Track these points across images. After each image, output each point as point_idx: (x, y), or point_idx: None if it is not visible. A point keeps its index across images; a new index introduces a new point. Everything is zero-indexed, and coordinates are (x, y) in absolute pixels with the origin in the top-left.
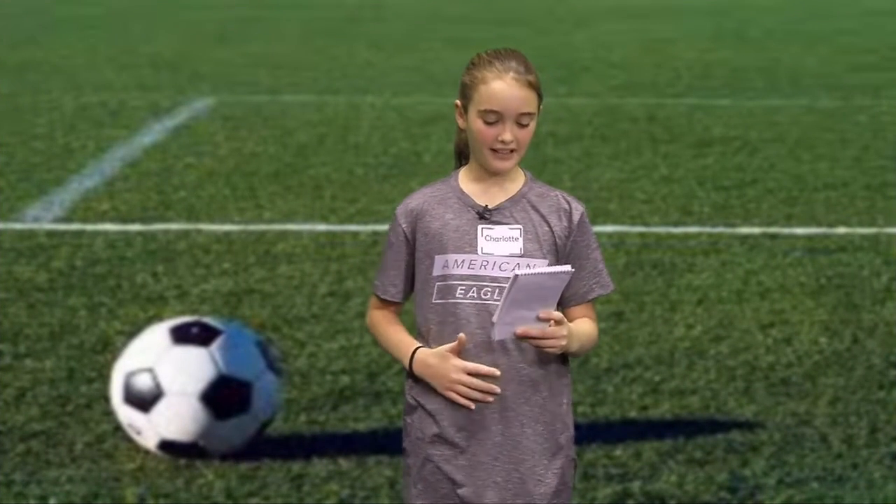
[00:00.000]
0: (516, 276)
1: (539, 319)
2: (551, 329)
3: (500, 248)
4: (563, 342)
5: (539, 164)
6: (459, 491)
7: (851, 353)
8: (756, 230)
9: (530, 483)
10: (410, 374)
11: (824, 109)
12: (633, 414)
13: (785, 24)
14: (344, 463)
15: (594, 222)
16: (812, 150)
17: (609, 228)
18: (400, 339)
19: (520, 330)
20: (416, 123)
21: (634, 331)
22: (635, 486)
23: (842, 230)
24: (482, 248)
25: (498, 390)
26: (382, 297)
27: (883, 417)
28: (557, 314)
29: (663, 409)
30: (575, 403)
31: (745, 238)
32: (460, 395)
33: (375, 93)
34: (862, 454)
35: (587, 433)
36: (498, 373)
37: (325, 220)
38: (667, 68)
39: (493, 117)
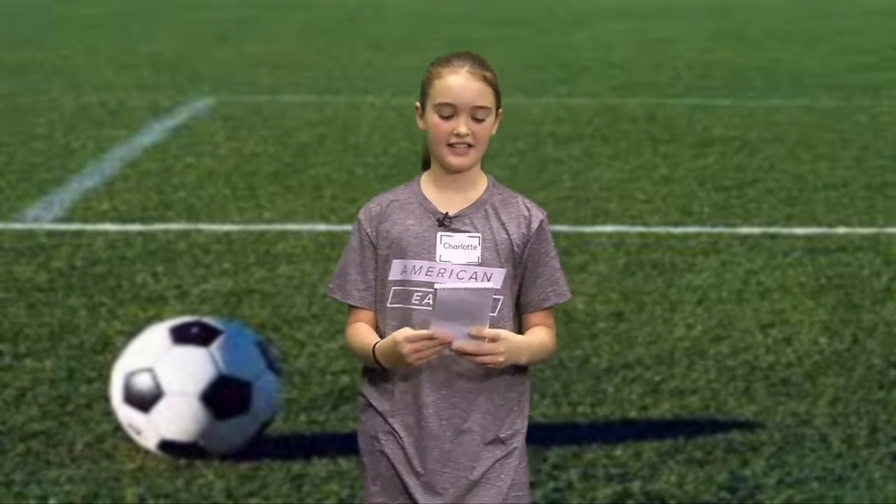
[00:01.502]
0: (436, 289)
1: (472, 337)
2: (487, 346)
3: (458, 255)
4: (501, 358)
5: (539, 164)
6: (412, 491)
7: (851, 353)
8: (756, 230)
9: (479, 486)
10: (364, 372)
11: (824, 109)
12: (633, 414)
13: (785, 24)
14: (344, 463)
15: (594, 222)
16: (812, 150)
17: (609, 228)
18: (361, 343)
19: (455, 345)
20: (416, 123)
21: (634, 331)
22: (635, 486)
23: (842, 230)
24: (440, 256)
25: (450, 338)
26: (344, 300)
27: (883, 417)
28: (490, 331)
29: (663, 409)
30: (575, 403)
31: (745, 238)
32: (421, 359)
33: (375, 93)
34: (862, 454)
35: (587, 433)
36: (431, 333)
37: (325, 220)
38: (667, 68)
39: (448, 111)
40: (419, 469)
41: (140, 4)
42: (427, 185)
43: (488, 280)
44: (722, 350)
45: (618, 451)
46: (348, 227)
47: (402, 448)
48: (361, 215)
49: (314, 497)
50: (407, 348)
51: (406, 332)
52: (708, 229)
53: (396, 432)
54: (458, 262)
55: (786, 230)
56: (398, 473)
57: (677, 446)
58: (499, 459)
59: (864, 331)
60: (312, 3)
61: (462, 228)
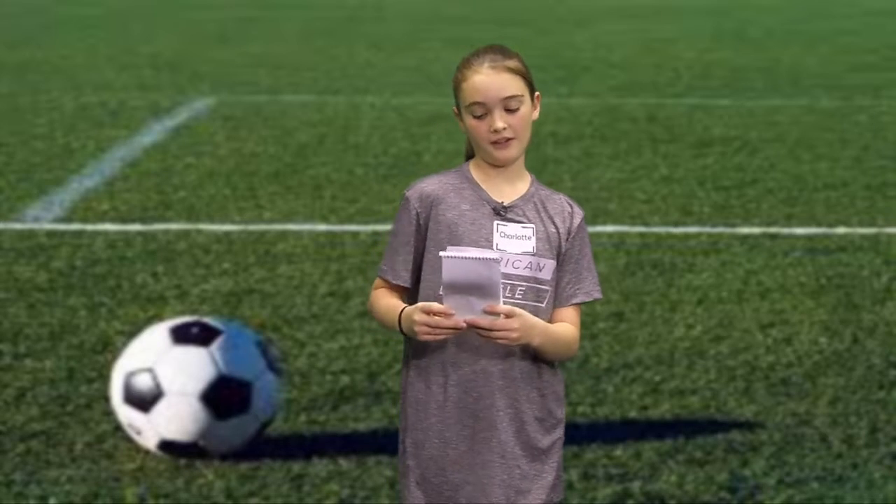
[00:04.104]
0: (440, 256)
1: (486, 313)
2: (500, 321)
3: (514, 245)
4: (514, 335)
5: (539, 164)
6: (466, 489)
7: (851, 353)
8: (756, 230)
9: (529, 479)
10: (405, 366)
11: (824, 109)
12: (633, 414)
13: (785, 24)
14: (344, 463)
15: (594, 222)
16: (812, 150)
17: (609, 228)
18: (389, 304)
19: (468, 318)
20: (416, 123)
21: (634, 331)
22: (635, 486)
23: (842, 230)
24: (497, 244)
25: (463, 325)
26: (394, 281)
27: (883, 417)
28: (504, 307)
29: (663, 409)
30: (575, 403)
31: (745, 238)
32: (428, 335)
33: (375, 93)
34: (862, 454)
35: (587, 433)
36: (452, 311)
37: (325, 220)
38: (667, 68)
39: (480, 110)
40: (474, 460)
41: (140, 4)
42: (476, 173)
43: (540, 270)
44: (722, 350)
45: (618, 451)
46: (348, 227)
47: (456, 446)
48: (411, 195)
49: (314, 497)
50: (419, 318)
51: (425, 303)
52: (708, 229)
53: (448, 429)
54: (514, 251)
55: (786, 230)
56: (448, 479)
57: (677, 446)
58: (546, 451)
59: (864, 331)
60: (312, 3)
61: (516, 219)
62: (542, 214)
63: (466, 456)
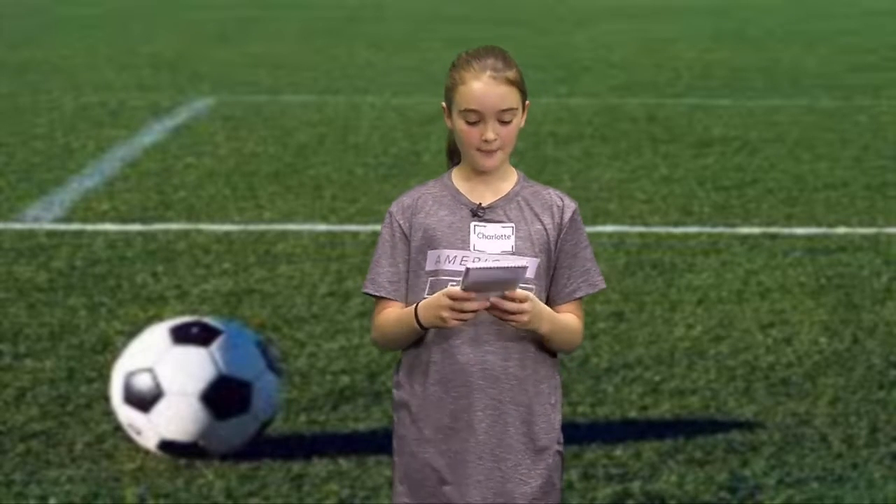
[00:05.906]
0: (467, 269)
1: (504, 299)
2: (514, 304)
3: (492, 245)
4: (525, 317)
5: (539, 164)
6: (444, 488)
7: (851, 353)
8: (756, 230)
9: (512, 482)
10: (397, 369)
11: (824, 109)
12: (633, 414)
13: (785, 24)
14: (344, 463)
15: (594, 222)
16: (812, 150)
17: (609, 228)
18: (398, 313)
19: (492, 299)
20: (416, 123)
21: (634, 331)
22: (635, 486)
23: (842, 230)
24: (474, 245)
25: (487, 304)
26: (376, 293)
27: (883, 417)
28: (522, 293)
29: (663, 409)
30: (575, 403)
31: (745, 238)
32: (455, 319)
33: (375, 93)
34: (862, 454)
35: (587, 433)
36: (471, 296)
37: (325, 220)
38: (667, 68)
39: (474, 117)
40: (455, 459)
41: (140, 4)
42: (458, 179)
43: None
44: (722, 350)
45: (618, 451)
46: (348, 227)
47: (438, 443)
48: (393, 208)
49: (314, 497)
50: (446, 302)
51: (449, 289)
52: (708, 229)
53: (430, 427)
54: (492, 251)
55: (786, 230)
56: (430, 471)
57: (677, 446)
58: (533, 455)
59: (864, 331)
60: (312, 3)
61: (496, 219)
62: (527, 213)
63: (445, 455)
